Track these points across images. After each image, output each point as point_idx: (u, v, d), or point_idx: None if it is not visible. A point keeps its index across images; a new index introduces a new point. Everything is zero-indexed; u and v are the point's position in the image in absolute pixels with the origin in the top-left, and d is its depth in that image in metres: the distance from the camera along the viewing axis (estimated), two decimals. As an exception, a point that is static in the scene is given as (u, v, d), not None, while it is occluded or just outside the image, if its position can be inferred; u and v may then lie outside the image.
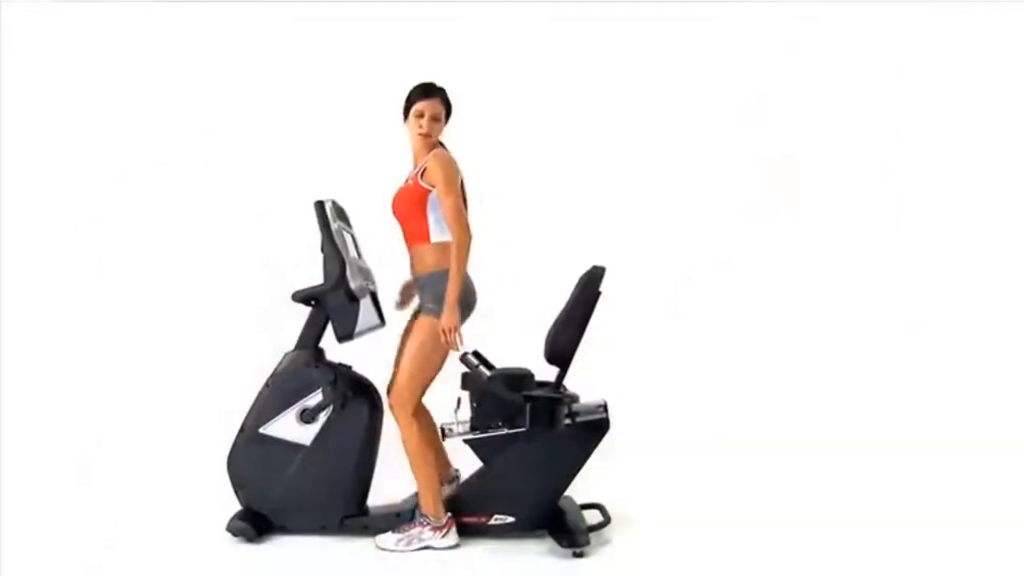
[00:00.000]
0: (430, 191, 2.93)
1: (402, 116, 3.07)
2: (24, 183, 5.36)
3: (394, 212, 3.08)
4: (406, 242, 3.07)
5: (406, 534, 3.01)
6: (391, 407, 3.03)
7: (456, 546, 3.02)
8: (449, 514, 3.05)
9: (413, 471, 3.03)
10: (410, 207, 2.97)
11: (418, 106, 2.97)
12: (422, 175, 2.95)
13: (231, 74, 5.38)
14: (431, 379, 3.01)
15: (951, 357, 5.07)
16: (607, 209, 5.25)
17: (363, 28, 5.34)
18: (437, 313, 2.91)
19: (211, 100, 5.37)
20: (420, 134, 2.97)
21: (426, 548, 2.99)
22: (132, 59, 5.39)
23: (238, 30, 5.38)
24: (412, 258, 3.04)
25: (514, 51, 5.36)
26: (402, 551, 2.99)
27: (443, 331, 2.89)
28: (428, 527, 3.00)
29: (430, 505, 3.01)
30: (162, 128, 5.38)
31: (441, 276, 2.91)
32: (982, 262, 5.27)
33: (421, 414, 3.09)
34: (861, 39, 5.35)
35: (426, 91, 2.99)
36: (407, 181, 3.05)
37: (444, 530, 3.01)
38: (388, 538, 3.02)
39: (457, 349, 2.95)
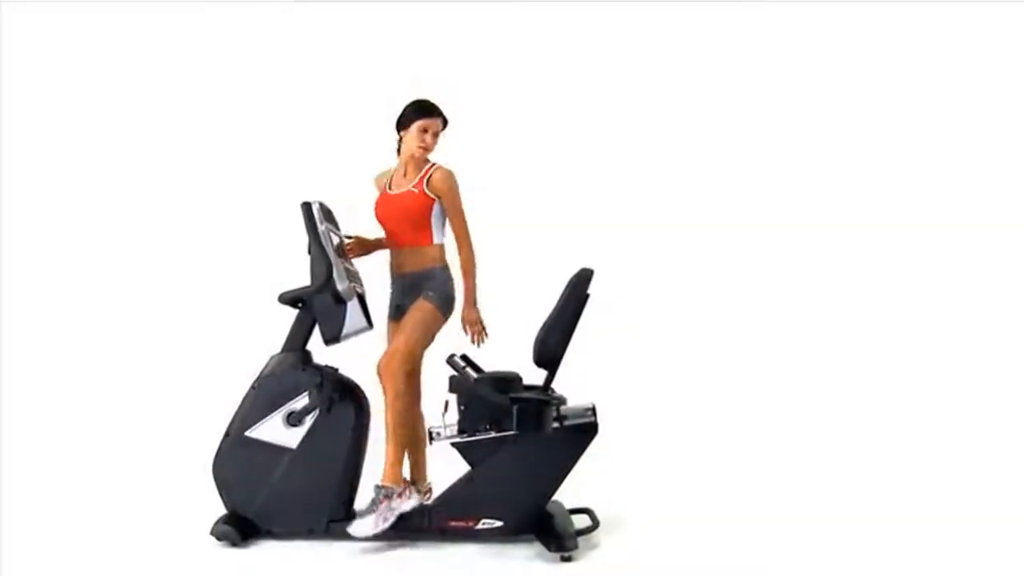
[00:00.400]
0: (435, 200, 3.14)
1: (398, 126, 3.23)
2: (8, 182, 5.36)
3: (389, 216, 3.20)
4: (400, 242, 3.21)
5: (376, 514, 2.99)
6: (379, 373, 3.05)
7: (425, 498, 3.15)
8: (404, 477, 3.12)
9: (387, 436, 3.05)
10: (414, 213, 3.15)
11: (423, 123, 3.16)
12: (427, 185, 3.14)
13: (220, 76, 5.37)
14: (421, 354, 3.14)
15: (947, 355, 5.06)
16: (594, 211, 5.23)
17: (347, 28, 5.35)
18: (436, 301, 3.12)
19: (199, 102, 5.36)
20: (422, 148, 3.16)
21: (399, 516, 3.01)
22: (118, 60, 5.38)
23: (225, 29, 5.38)
24: (407, 256, 3.20)
25: (499, 51, 5.36)
26: (382, 530, 2.98)
27: (469, 323, 3.15)
28: (393, 496, 3.02)
29: (392, 474, 3.04)
30: (149, 129, 5.36)
31: (442, 272, 3.18)
32: (982, 265, 5.28)
33: (412, 386, 3.15)
34: (860, 39, 5.37)
35: (431, 110, 3.18)
36: (406, 188, 3.16)
37: (406, 492, 3.05)
38: (364, 524, 2.98)
39: (484, 341, 3.17)
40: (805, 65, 5.39)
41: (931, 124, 5.33)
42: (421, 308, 3.11)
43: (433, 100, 3.21)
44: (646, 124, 5.38)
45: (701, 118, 5.39)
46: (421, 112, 3.17)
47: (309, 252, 3.09)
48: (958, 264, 5.26)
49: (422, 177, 3.15)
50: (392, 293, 3.29)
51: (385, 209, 3.20)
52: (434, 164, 3.19)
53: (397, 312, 3.22)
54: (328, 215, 3.19)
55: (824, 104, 5.38)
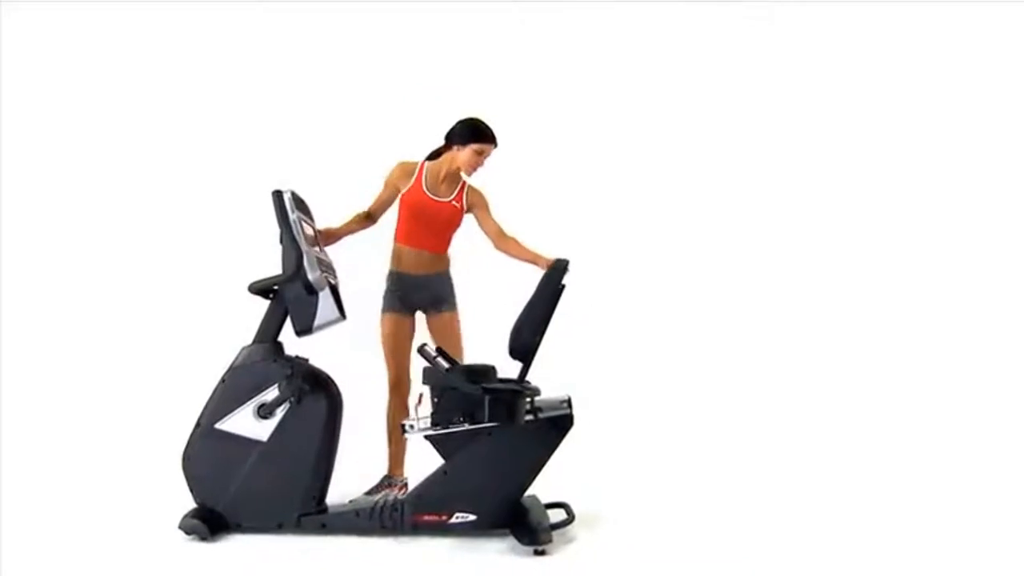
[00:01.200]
0: (464, 216, 3.41)
1: (452, 138, 3.34)
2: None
3: (423, 217, 3.34)
4: (422, 245, 3.37)
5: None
6: None
7: (400, 492, 3.24)
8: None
9: None
10: (451, 226, 3.40)
11: (482, 146, 3.32)
12: (465, 202, 3.38)
13: (194, 71, 5.38)
14: None
15: (936, 347, 5.06)
16: (574, 203, 5.23)
17: (333, 27, 5.32)
18: (455, 306, 3.44)
19: (170, 96, 5.37)
20: (472, 169, 3.34)
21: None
22: (100, 58, 5.40)
23: (205, 28, 5.39)
24: (426, 259, 3.38)
25: (491, 49, 5.35)
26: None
27: (548, 264, 3.15)
28: None
29: None
30: (123, 123, 5.38)
31: (449, 275, 3.45)
32: (978, 264, 5.25)
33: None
34: (859, 38, 5.35)
35: (492, 136, 3.34)
36: (448, 200, 3.35)
37: None
38: None
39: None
40: (798, 64, 5.40)
41: (927, 123, 5.34)
42: (455, 317, 3.43)
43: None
44: (636, 121, 5.40)
45: (694, 116, 5.40)
46: (483, 136, 3.31)
47: (281, 242, 3.05)
48: (953, 263, 5.24)
49: (459, 193, 3.37)
50: (397, 288, 3.38)
51: (421, 209, 3.33)
52: (465, 181, 3.40)
53: (402, 305, 3.37)
54: (300, 204, 3.15)
55: (818, 102, 5.40)
